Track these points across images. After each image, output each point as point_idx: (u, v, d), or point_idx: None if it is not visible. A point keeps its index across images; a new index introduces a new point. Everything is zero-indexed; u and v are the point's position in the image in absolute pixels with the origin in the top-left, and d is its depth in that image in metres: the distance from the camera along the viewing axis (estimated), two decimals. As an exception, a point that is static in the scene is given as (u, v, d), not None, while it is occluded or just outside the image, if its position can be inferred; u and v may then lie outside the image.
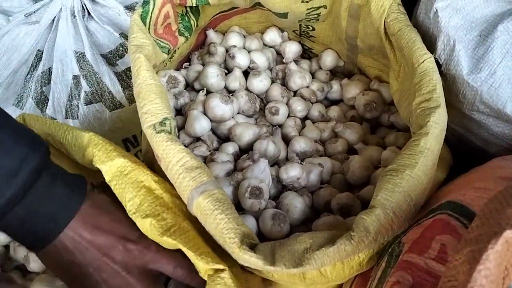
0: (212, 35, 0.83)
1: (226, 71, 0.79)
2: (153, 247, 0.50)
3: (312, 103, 0.80)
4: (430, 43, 0.60)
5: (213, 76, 0.74)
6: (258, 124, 0.73)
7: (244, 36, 0.86)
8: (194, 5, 0.71)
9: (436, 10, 0.57)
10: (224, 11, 0.82)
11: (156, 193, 0.52)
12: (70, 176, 0.50)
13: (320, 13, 0.76)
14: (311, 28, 0.83)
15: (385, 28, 0.64)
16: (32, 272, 0.58)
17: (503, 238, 0.30)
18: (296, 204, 0.56)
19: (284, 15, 0.77)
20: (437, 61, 0.58)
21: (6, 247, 0.60)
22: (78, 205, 0.48)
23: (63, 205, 0.47)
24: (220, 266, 0.46)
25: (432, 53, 0.57)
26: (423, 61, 0.55)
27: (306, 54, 0.91)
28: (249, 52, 0.82)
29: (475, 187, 0.44)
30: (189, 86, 0.79)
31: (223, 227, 0.45)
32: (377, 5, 0.64)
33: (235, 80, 0.77)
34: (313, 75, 0.86)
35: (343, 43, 0.81)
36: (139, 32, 0.58)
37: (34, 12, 0.72)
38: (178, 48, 0.76)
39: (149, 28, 0.63)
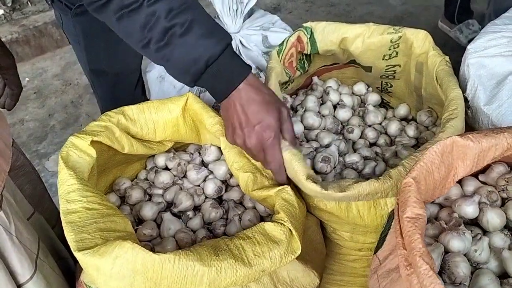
0: (315, 79, 1.17)
1: (322, 102, 1.11)
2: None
3: (381, 134, 1.07)
4: (464, 86, 0.87)
5: (311, 101, 1.06)
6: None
7: (339, 84, 1.18)
8: (308, 53, 1.06)
9: (468, 64, 0.85)
10: (327, 65, 1.16)
11: (251, 161, 0.83)
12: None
13: (395, 70, 1.06)
14: (389, 85, 1.13)
15: (436, 77, 0.93)
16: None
17: (451, 139, 0.56)
18: (351, 175, 0.84)
19: (369, 69, 1.09)
20: (466, 98, 0.85)
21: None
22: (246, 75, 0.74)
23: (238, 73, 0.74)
24: (285, 186, 0.76)
25: (463, 92, 0.84)
26: (452, 92, 0.82)
27: (385, 106, 1.20)
28: (340, 94, 1.14)
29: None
30: (293, 109, 1.12)
31: (297, 169, 0.75)
32: (432, 62, 0.93)
33: (326, 108, 1.08)
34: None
35: (413, 96, 1.09)
36: (274, 60, 0.95)
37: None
38: (293, 81, 1.11)
39: (280, 59, 0.99)
